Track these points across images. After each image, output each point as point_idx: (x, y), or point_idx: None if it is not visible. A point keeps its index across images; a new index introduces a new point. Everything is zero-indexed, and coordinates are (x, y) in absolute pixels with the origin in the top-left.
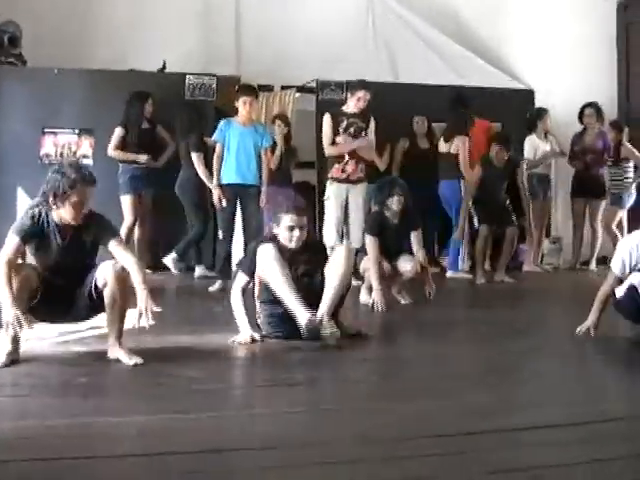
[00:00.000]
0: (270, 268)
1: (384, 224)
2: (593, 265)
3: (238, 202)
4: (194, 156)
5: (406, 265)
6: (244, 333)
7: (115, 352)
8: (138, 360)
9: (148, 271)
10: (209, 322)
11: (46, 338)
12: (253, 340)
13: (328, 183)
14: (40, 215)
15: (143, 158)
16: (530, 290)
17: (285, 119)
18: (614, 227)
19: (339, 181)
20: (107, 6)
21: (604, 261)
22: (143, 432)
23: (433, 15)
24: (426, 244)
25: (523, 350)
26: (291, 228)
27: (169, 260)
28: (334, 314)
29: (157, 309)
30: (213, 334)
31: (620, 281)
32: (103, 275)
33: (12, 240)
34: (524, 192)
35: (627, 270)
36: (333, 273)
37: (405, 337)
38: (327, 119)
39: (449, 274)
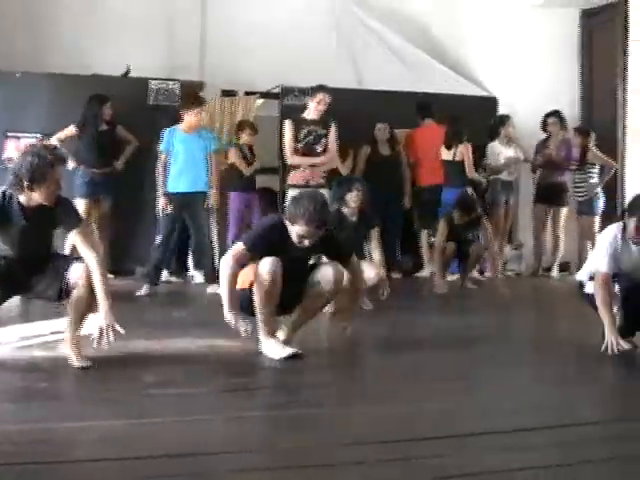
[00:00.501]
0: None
1: (342, 222)
2: (555, 272)
3: (185, 210)
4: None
5: (369, 273)
6: (229, 313)
7: (66, 349)
8: (87, 363)
9: (110, 276)
10: (168, 327)
11: (7, 343)
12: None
13: (289, 190)
14: (4, 196)
15: (71, 165)
16: (490, 296)
17: (252, 126)
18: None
19: (298, 187)
20: (71, 10)
21: (566, 267)
22: (104, 437)
23: (397, 22)
24: (388, 249)
25: (480, 356)
26: (302, 237)
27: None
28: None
29: (120, 329)
30: (172, 339)
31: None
32: (76, 277)
33: None
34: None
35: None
36: (315, 300)
37: (368, 343)
38: (288, 126)
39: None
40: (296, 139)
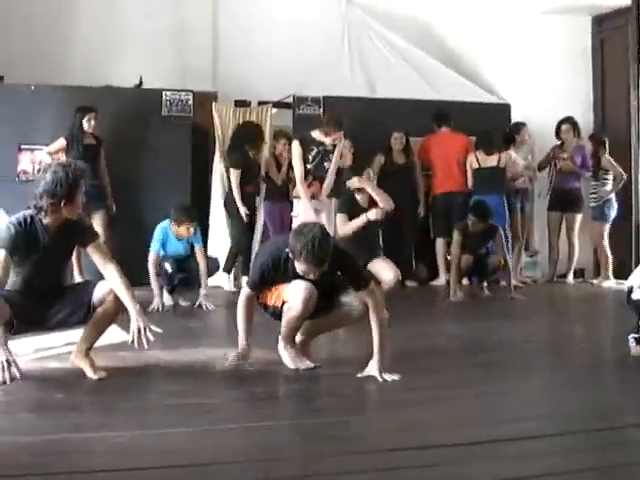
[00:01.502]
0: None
1: (355, 207)
2: (570, 278)
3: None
4: (231, 172)
5: (387, 274)
6: (239, 347)
7: (80, 361)
8: (102, 375)
9: None
10: (183, 337)
11: (22, 355)
12: (244, 356)
13: (295, 200)
14: (27, 221)
15: None
16: (505, 304)
17: (287, 136)
18: (604, 242)
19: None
20: (84, 22)
21: (581, 274)
22: (119, 448)
23: (409, 30)
24: (403, 258)
25: (492, 363)
26: (305, 273)
27: (225, 281)
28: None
29: (156, 329)
30: (187, 349)
31: None
32: (102, 294)
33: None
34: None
35: None
36: (341, 320)
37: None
38: (296, 148)
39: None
40: (306, 160)
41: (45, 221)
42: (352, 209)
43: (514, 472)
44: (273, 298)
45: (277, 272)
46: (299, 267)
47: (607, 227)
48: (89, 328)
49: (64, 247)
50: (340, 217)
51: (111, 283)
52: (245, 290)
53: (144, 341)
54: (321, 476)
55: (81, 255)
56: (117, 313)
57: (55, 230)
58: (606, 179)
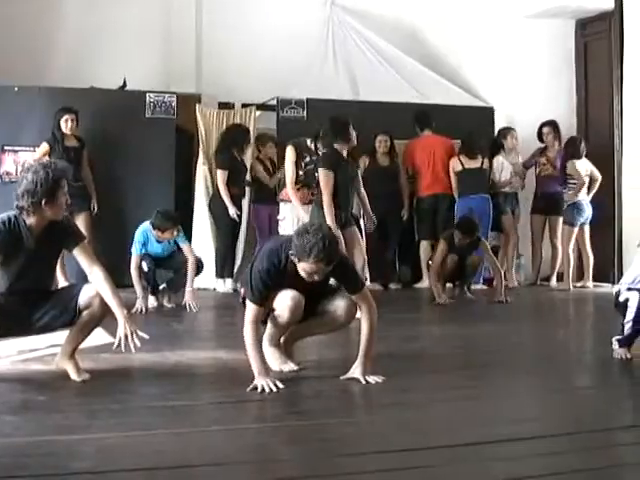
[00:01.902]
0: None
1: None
2: (554, 281)
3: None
4: (217, 173)
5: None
6: (260, 378)
7: (64, 363)
8: (85, 377)
9: None
10: (167, 339)
11: (5, 356)
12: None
13: (282, 204)
14: (10, 221)
15: None
16: (490, 307)
17: (273, 139)
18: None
19: (288, 202)
20: (67, 23)
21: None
22: (103, 449)
23: (393, 33)
24: (386, 260)
25: (482, 365)
26: (311, 274)
27: (220, 285)
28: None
29: (143, 335)
30: (170, 351)
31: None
32: (89, 298)
33: None
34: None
35: None
36: (325, 325)
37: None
38: (290, 153)
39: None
40: (298, 166)
41: (29, 222)
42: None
43: (506, 473)
44: None
45: (278, 277)
46: (305, 267)
47: (575, 231)
48: (74, 331)
49: (49, 249)
50: (323, 172)
51: (97, 286)
52: (250, 309)
53: (131, 346)
54: (308, 478)
55: (64, 259)
56: (103, 316)
57: (39, 232)
58: (572, 184)
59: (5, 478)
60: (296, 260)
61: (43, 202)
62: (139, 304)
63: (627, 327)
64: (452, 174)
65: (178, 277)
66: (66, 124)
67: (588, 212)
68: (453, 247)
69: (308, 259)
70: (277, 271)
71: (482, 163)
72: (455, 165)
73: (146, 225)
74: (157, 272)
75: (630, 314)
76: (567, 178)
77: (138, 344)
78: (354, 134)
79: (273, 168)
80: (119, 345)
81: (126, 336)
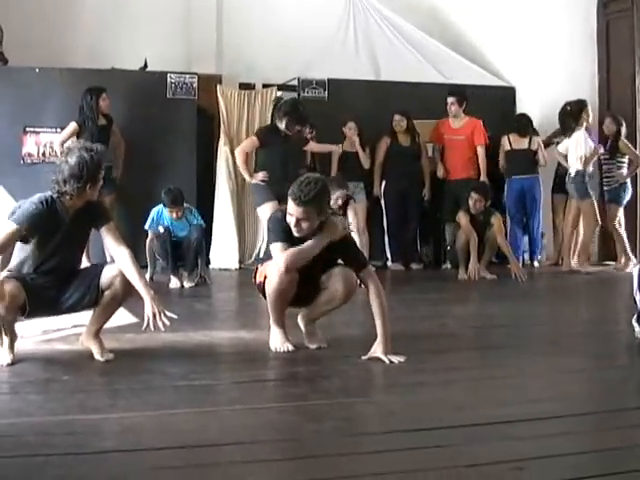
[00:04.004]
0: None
1: None
2: (575, 261)
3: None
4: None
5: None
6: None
7: (89, 343)
8: (109, 356)
9: None
10: (188, 319)
11: (29, 337)
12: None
13: None
14: (49, 202)
15: None
16: (507, 286)
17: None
18: (616, 225)
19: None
20: (89, 4)
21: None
22: (125, 428)
23: (413, 13)
24: (408, 240)
25: (498, 345)
26: (292, 218)
27: None
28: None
29: (172, 315)
30: (193, 331)
31: None
32: (110, 277)
33: (9, 228)
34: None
35: None
36: (327, 303)
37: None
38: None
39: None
40: None
41: (67, 203)
42: None
43: (524, 452)
44: (259, 275)
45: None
46: (289, 210)
47: (621, 210)
48: (98, 311)
49: (82, 229)
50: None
51: (123, 267)
52: (277, 248)
53: (160, 324)
54: (328, 457)
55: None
56: (125, 296)
57: (74, 212)
58: (622, 162)
59: (30, 456)
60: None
61: (88, 186)
62: (150, 273)
63: (637, 300)
64: (501, 154)
65: (189, 256)
66: (104, 102)
67: (631, 192)
68: (472, 217)
69: (289, 201)
70: (283, 223)
71: (530, 143)
72: (504, 144)
73: (160, 206)
74: (176, 252)
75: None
76: (618, 157)
77: (167, 323)
78: (297, 127)
79: None
80: (148, 325)
81: (154, 315)
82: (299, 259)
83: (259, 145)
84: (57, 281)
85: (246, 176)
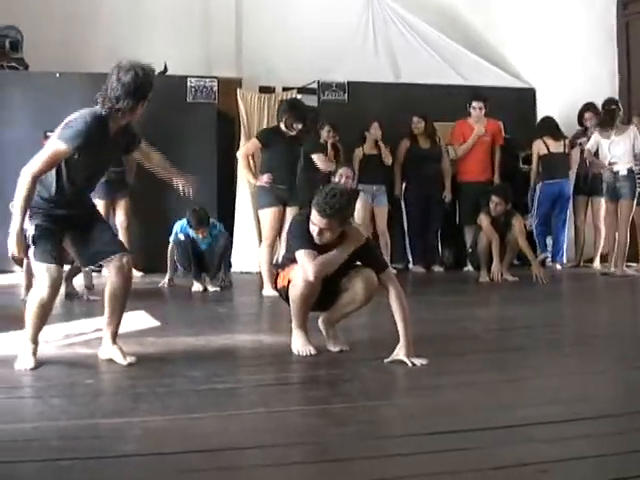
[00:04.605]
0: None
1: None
2: (597, 263)
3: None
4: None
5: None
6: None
7: (108, 352)
8: (132, 359)
9: (139, 274)
10: (211, 323)
11: (52, 341)
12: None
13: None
14: (101, 118)
15: None
16: (529, 288)
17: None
18: None
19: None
20: (108, 9)
21: (607, 259)
22: (148, 432)
23: (433, 15)
24: (429, 243)
25: (518, 348)
26: (318, 229)
27: None
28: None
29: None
30: (215, 335)
31: None
32: (115, 262)
33: (57, 148)
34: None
35: None
36: (347, 305)
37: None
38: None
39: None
40: None
41: (113, 122)
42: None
43: (549, 455)
44: (282, 279)
45: (311, 237)
46: (313, 220)
47: None
48: (106, 313)
49: (117, 151)
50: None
51: (154, 161)
52: (302, 254)
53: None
54: (350, 460)
55: None
56: (126, 290)
57: (115, 132)
58: None
59: (53, 461)
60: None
61: (140, 104)
62: (165, 280)
63: None
64: (535, 157)
65: (212, 262)
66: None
67: None
68: (493, 219)
69: (313, 211)
70: (305, 228)
71: (564, 146)
72: (540, 148)
73: (183, 222)
74: (200, 261)
75: None
76: None
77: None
78: (299, 125)
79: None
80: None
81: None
82: (327, 268)
83: (261, 147)
84: (78, 218)
85: (250, 179)
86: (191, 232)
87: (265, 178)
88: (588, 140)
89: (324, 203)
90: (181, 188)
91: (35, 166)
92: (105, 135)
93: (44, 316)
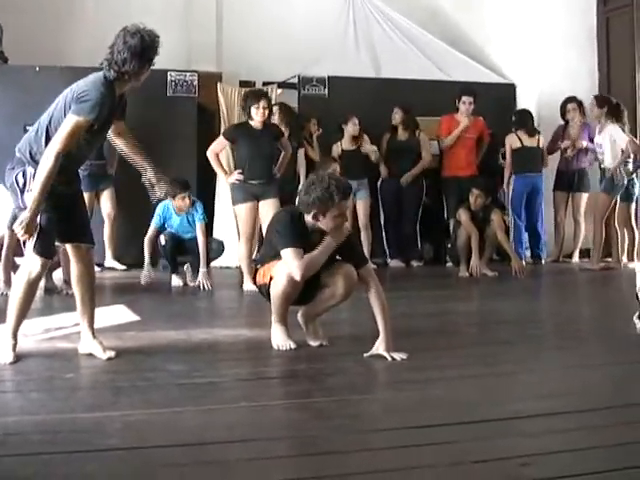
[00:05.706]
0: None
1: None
2: (576, 258)
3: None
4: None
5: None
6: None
7: (88, 346)
8: (111, 354)
9: (122, 266)
10: (191, 317)
11: (31, 335)
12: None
13: None
14: (109, 85)
15: None
16: (508, 283)
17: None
18: (632, 222)
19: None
20: (88, 3)
21: (587, 254)
22: (128, 426)
23: (414, 10)
24: (407, 236)
25: (503, 341)
26: (340, 216)
27: None
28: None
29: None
30: (195, 329)
31: None
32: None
33: (79, 121)
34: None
35: None
36: (327, 301)
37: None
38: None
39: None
40: None
41: (119, 86)
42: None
43: (534, 448)
44: (263, 276)
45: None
46: (335, 212)
47: (633, 206)
48: (77, 299)
49: (115, 115)
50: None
51: (133, 148)
52: (288, 252)
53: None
54: (335, 454)
55: None
56: (88, 272)
57: (119, 96)
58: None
59: (33, 455)
60: (321, 217)
61: (146, 67)
62: (143, 275)
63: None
64: (508, 150)
65: (195, 258)
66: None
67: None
68: (472, 214)
69: (334, 202)
70: (297, 224)
71: (538, 141)
72: (513, 142)
73: (167, 201)
74: (179, 251)
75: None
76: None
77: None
78: (258, 118)
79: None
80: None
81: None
82: (314, 267)
83: (230, 143)
84: (70, 198)
85: (221, 176)
86: (172, 211)
87: (235, 175)
88: (570, 140)
89: (341, 187)
90: (147, 184)
91: (59, 144)
92: (114, 101)
93: (27, 304)
